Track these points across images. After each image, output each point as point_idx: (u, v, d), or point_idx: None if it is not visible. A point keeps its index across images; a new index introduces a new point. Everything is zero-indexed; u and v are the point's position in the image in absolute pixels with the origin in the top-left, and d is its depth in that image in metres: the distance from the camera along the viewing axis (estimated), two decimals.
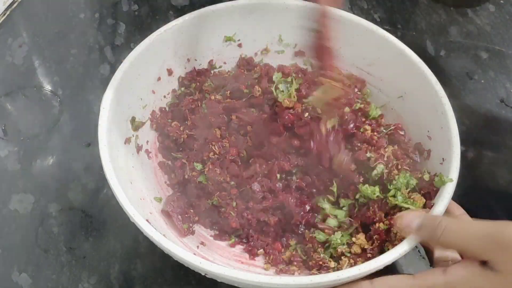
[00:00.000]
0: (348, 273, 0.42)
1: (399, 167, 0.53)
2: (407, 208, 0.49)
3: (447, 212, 0.48)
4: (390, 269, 0.44)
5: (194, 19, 0.61)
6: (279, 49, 0.67)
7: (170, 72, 0.63)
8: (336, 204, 0.55)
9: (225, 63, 0.67)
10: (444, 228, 0.42)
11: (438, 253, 0.47)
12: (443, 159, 0.52)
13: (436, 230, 0.42)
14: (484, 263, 0.40)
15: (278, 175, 0.56)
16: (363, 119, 0.59)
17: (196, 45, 0.63)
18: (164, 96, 0.63)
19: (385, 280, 0.43)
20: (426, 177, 0.51)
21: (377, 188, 0.52)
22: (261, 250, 0.54)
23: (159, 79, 0.62)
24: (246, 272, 0.42)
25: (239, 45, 0.66)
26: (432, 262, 0.49)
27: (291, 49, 0.67)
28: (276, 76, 0.60)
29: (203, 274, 0.43)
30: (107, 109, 0.51)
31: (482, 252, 0.40)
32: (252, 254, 0.54)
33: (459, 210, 0.51)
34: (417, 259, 0.56)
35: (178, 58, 0.63)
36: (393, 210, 0.50)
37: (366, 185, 0.52)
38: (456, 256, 0.46)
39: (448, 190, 0.48)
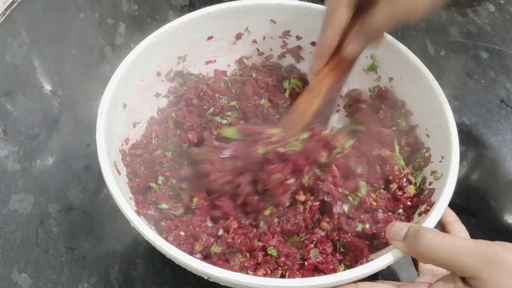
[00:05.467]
0: (351, 274, 0.42)
1: None
2: None
3: (441, 219, 0.48)
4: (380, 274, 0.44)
5: (190, 21, 0.61)
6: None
7: (167, 75, 0.63)
8: None
9: (229, 65, 0.67)
10: (428, 239, 0.40)
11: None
12: (442, 157, 0.52)
13: (420, 238, 0.41)
14: (464, 280, 0.40)
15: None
16: None
17: (193, 47, 0.63)
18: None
19: (371, 286, 0.43)
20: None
21: None
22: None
23: (156, 81, 0.62)
24: (250, 276, 0.42)
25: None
26: (417, 269, 0.49)
27: (288, 49, 0.67)
28: None
29: (205, 278, 0.43)
30: (104, 114, 0.51)
31: (465, 269, 0.39)
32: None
33: (452, 216, 0.51)
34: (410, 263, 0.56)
35: (174, 60, 0.63)
36: None
37: None
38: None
39: (448, 188, 0.48)
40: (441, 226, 0.51)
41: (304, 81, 0.67)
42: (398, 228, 0.44)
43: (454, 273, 0.41)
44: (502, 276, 0.38)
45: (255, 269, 0.48)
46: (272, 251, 0.49)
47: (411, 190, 0.54)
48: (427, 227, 0.44)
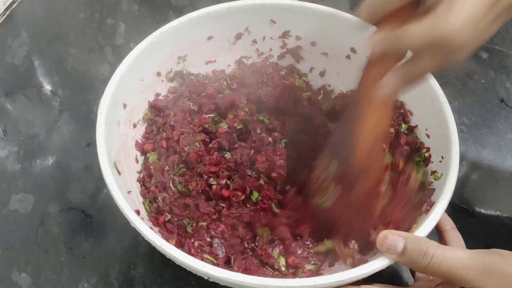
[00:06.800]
0: (351, 274, 0.42)
1: None
2: None
3: (438, 226, 0.48)
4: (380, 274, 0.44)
5: (190, 21, 0.61)
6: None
7: (167, 75, 0.63)
8: None
9: (229, 65, 0.67)
10: (431, 258, 0.40)
11: None
12: (442, 157, 0.52)
13: (424, 258, 0.40)
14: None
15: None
16: None
17: (193, 47, 0.63)
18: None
19: (372, 287, 0.44)
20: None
21: None
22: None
23: (156, 81, 0.62)
24: (250, 276, 0.42)
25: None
26: (414, 274, 0.49)
27: (288, 49, 0.67)
28: None
29: (205, 278, 0.43)
30: (104, 114, 0.51)
31: (465, 281, 0.39)
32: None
33: (449, 224, 0.51)
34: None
35: (174, 60, 0.62)
36: None
37: None
38: None
39: (448, 188, 0.47)
40: (438, 233, 0.51)
41: (305, 83, 0.67)
42: (393, 241, 0.42)
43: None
44: (501, 286, 0.38)
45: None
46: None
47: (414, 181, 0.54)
48: (425, 239, 0.43)
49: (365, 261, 0.45)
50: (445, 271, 0.40)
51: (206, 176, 0.54)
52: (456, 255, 0.40)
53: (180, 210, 0.53)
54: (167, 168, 0.55)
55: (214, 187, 0.53)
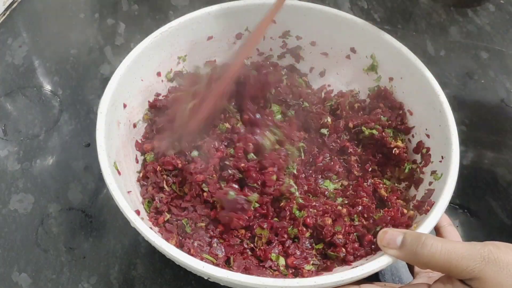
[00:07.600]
0: (351, 273, 0.42)
1: None
2: None
3: None
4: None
5: (190, 21, 0.61)
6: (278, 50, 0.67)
7: (167, 75, 0.63)
8: None
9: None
10: (430, 247, 0.41)
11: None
12: (442, 157, 0.52)
13: (423, 248, 0.41)
14: (462, 281, 0.41)
15: None
16: None
17: (193, 47, 0.63)
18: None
19: (373, 287, 0.44)
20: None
21: None
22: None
23: (156, 81, 0.62)
24: (250, 276, 0.42)
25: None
26: (412, 271, 0.49)
27: (288, 49, 0.67)
28: None
29: (205, 278, 0.43)
30: (104, 114, 0.51)
31: (465, 273, 0.40)
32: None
33: (445, 220, 0.51)
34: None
35: (174, 60, 0.63)
36: None
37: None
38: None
39: (448, 188, 0.48)
40: (435, 230, 0.51)
41: (305, 82, 0.67)
42: (393, 235, 0.43)
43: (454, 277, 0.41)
44: (500, 274, 0.39)
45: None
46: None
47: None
48: (424, 233, 0.43)
49: None
50: (445, 261, 0.40)
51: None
52: (454, 245, 0.40)
53: (178, 210, 0.53)
54: (159, 168, 0.55)
55: (205, 194, 0.53)
